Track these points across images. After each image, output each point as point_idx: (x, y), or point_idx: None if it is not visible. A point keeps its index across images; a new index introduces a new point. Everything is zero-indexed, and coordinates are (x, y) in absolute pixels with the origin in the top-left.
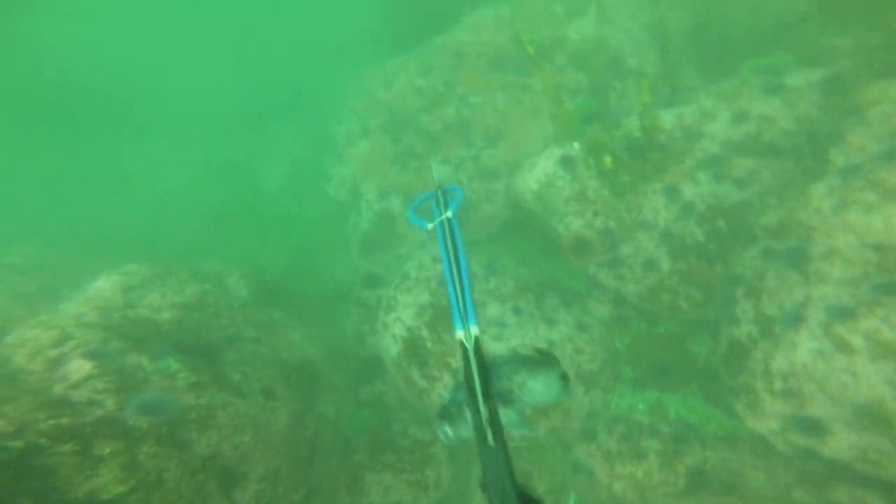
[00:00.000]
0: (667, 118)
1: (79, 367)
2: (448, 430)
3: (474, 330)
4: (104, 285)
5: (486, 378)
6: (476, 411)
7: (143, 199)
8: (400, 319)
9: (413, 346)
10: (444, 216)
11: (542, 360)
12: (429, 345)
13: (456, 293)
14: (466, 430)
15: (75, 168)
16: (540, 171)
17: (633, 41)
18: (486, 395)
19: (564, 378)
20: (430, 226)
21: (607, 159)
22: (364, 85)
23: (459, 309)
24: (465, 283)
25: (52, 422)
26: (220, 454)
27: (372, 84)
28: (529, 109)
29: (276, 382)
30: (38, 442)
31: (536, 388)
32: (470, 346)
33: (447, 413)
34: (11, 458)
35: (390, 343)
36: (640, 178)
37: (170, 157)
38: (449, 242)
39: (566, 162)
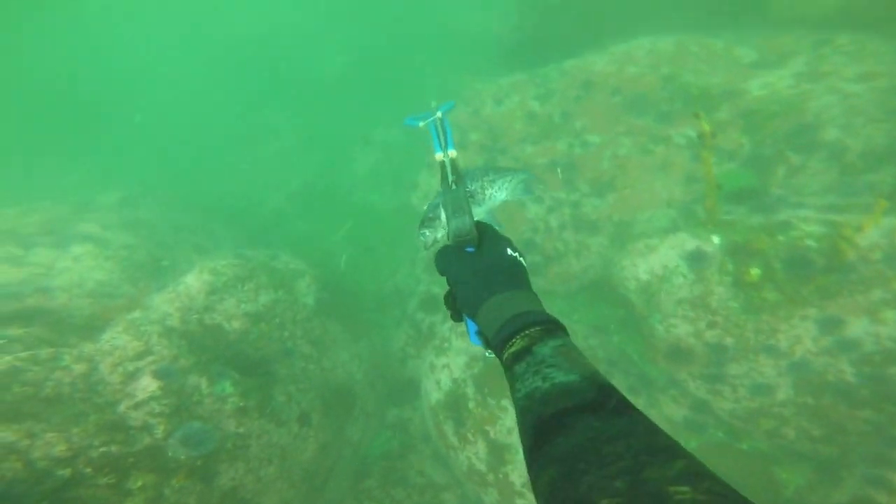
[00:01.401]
0: (870, 230)
1: (146, 386)
2: (427, 233)
3: (452, 153)
4: (193, 283)
5: (458, 174)
6: (446, 182)
7: (244, 164)
8: (448, 367)
9: (455, 401)
10: (435, 116)
11: (512, 167)
12: (471, 405)
13: (438, 132)
14: (442, 232)
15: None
16: (657, 261)
17: (847, 107)
18: (457, 177)
19: (528, 181)
20: (421, 124)
21: (754, 272)
22: (473, 96)
23: (440, 142)
24: (448, 133)
25: (103, 449)
26: (241, 487)
27: (482, 96)
28: (659, 164)
29: (315, 408)
30: (84, 471)
31: (504, 185)
32: (447, 159)
33: (426, 219)
34: (50, 489)
35: (433, 388)
36: (791, 301)
37: (280, 126)
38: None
39: (696, 258)
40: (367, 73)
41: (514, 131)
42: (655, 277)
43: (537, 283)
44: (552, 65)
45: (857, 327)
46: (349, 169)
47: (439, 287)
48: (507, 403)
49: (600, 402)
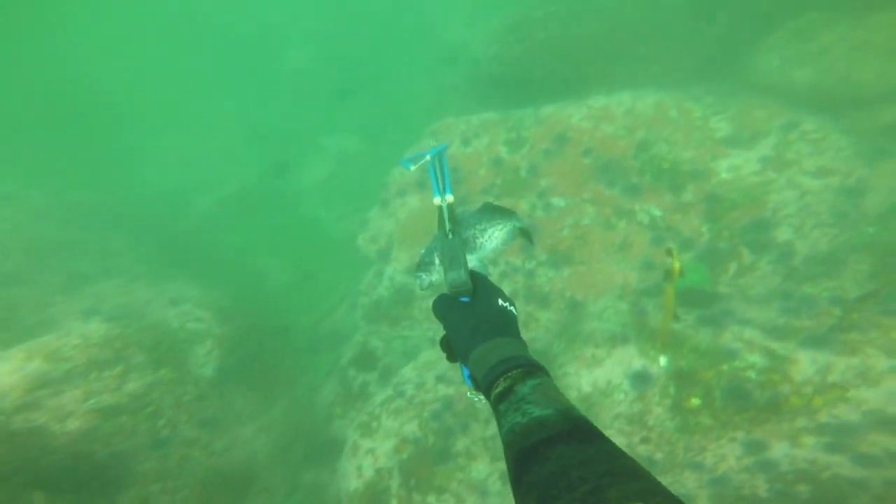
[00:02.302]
0: (805, 366)
1: None
2: (423, 276)
3: (449, 198)
4: (7, 377)
5: (454, 220)
6: (443, 229)
7: (171, 156)
8: (373, 453)
9: (374, 496)
10: (425, 160)
11: (504, 211)
12: (394, 502)
13: (436, 175)
14: (438, 276)
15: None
16: (602, 376)
17: (802, 205)
18: (454, 225)
19: (522, 229)
20: (412, 167)
21: (695, 401)
22: (442, 130)
23: (438, 186)
24: (446, 177)
25: None
26: None
27: (450, 132)
28: (619, 242)
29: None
30: None
31: (494, 234)
32: (444, 205)
33: (422, 263)
34: None
35: (352, 473)
36: (724, 425)
37: (229, 114)
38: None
39: (641, 379)
40: (335, 69)
41: (478, 178)
42: (598, 391)
43: None
44: (529, 109)
45: (777, 450)
46: (299, 175)
47: (377, 341)
48: (434, 500)
49: (571, 431)
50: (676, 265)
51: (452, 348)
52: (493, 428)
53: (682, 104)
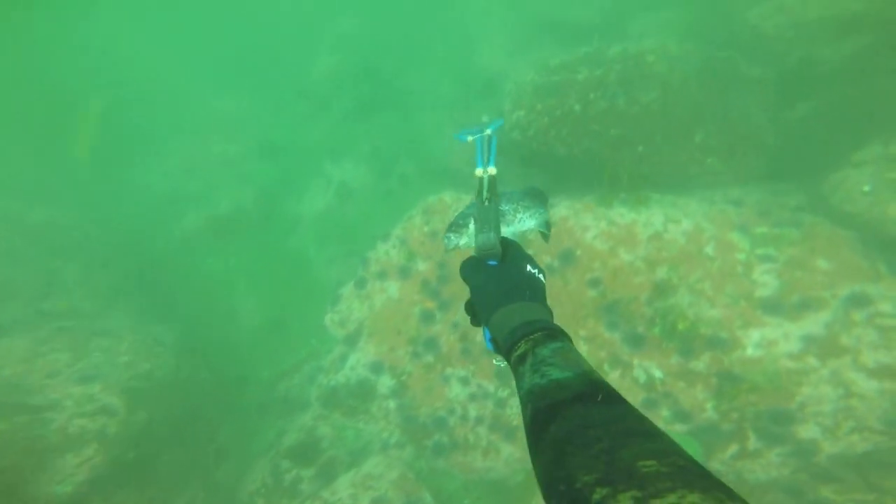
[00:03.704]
0: None
1: None
2: (452, 237)
3: (492, 170)
4: None
5: (493, 190)
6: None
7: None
8: None
9: None
10: (485, 133)
11: (544, 200)
12: None
13: (483, 148)
14: (467, 240)
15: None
16: None
17: (843, 407)
18: (492, 195)
19: (548, 224)
20: (469, 138)
21: None
22: (441, 209)
23: (483, 158)
24: (493, 151)
25: None
26: None
27: (445, 216)
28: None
29: None
30: None
31: (534, 214)
32: (486, 176)
33: (454, 224)
34: None
35: None
36: None
37: (237, 121)
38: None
39: None
40: (359, 82)
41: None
42: None
43: (437, 464)
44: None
45: None
46: (297, 202)
47: (326, 428)
48: None
49: (590, 393)
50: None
51: (476, 311)
52: None
53: (724, 235)
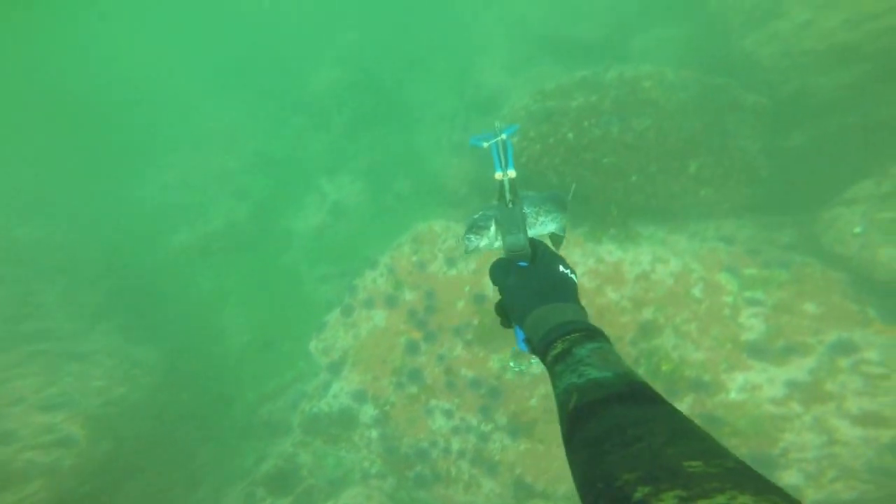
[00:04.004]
0: None
1: None
2: (473, 238)
3: (511, 173)
4: None
5: (515, 192)
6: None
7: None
8: None
9: None
10: (499, 138)
11: (564, 205)
12: None
13: (499, 153)
14: (487, 242)
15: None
16: None
17: (827, 454)
18: (514, 197)
19: (564, 229)
20: (485, 144)
21: None
22: (428, 239)
23: (501, 162)
24: (510, 155)
25: None
26: None
27: (435, 246)
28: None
29: None
30: None
31: (556, 219)
32: (506, 179)
33: (475, 226)
34: None
35: None
36: None
37: (238, 133)
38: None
39: None
40: (360, 95)
41: (455, 312)
42: None
43: (418, 495)
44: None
45: None
46: (292, 218)
47: (307, 456)
48: None
49: (629, 393)
50: None
51: (508, 312)
52: None
53: (712, 276)
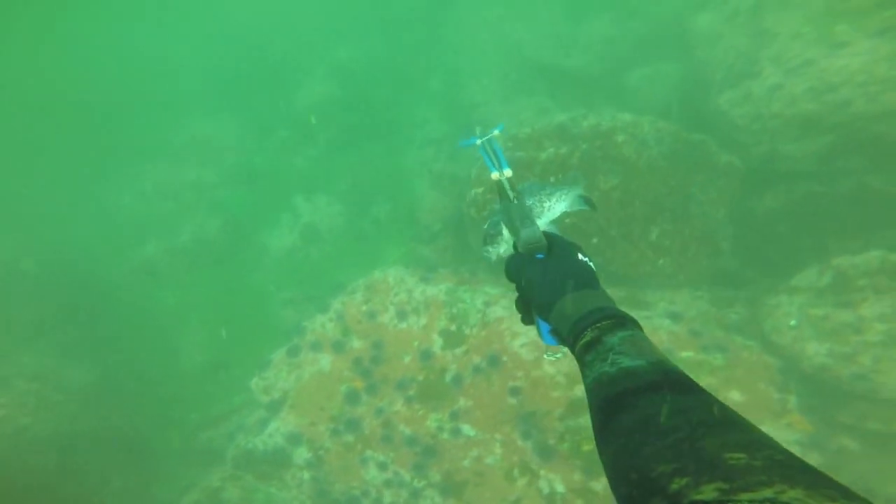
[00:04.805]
0: None
1: None
2: (490, 250)
3: (507, 172)
4: None
5: (515, 189)
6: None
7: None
8: None
9: None
10: (477, 142)
11: (567, 181)
12: None
13: (490, 155)
14: (507, 247)
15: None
16: None
17: None
18: (516, 193)
19: (583, 197)
20: (478, 142)
21: None
22: (380, 288)
23: (494, 163)
24: (500, 154)
25: None
26: None
27: (385, 297)
28: (512, 500)
29: None
30: None
31: (562, 197)
32: (504, 178)
33: (488, 236)
34: None
35: None
36: None
37: (222, 144)
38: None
39: None
40: (348, 112)
41: (401, 366)
42: None
43: None
44: (482, 293)
45: None
46: (266, 236)
47: (238, 490)
48: None
49: (663, 382)
50: None
51: (530, 305)
52: None
53: None
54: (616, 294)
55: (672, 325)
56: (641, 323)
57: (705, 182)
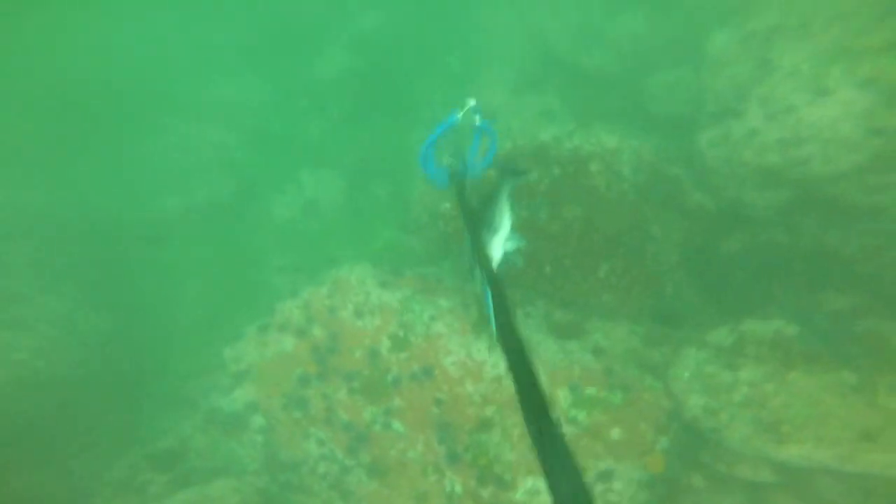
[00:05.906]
0: None
1: None
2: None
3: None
4: None
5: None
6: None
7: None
8: None
9: None
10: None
11: (498, 190)
12: None
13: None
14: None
15: None
16: None
17: None
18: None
19: (516, 185)
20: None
21: None
22: (344, 288)
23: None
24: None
25: None
26: None
27: (346, 296)
28: (422, 491)
29: None
30: None
31: (504, 212)
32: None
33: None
34: None
35: None
36: None
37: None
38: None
39: None
40: (365, 91)
41: (352, 360)
42: None
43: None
44: (432, 306)
45: None
46: (270, 202)
47: (204, 438)
48: None
49: None
50: None
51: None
52: None
53: (554, 390)
54: (563, 317)
55: (591, 361)
56: (564, 358)
57: (668, 222)
